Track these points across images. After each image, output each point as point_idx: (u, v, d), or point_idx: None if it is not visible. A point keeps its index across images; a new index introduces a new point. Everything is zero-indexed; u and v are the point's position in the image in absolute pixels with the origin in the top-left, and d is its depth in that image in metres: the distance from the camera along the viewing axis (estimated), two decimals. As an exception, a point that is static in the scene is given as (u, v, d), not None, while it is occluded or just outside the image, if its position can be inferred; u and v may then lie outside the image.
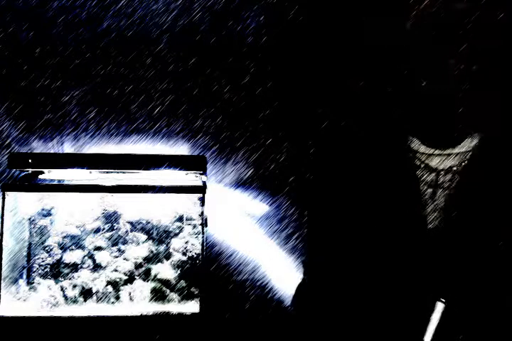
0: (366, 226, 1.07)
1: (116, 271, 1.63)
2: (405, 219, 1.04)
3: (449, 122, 1.03)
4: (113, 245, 1.68)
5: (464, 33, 0.98)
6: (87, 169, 1.56)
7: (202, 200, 1.56)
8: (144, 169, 1.56)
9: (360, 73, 1.11)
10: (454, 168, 1.04)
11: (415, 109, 1.03)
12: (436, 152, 1.06)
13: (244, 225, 1.81)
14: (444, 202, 1.02)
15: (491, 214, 0.97)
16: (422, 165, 1.06)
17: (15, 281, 1.59)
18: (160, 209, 1.71)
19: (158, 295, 1.59)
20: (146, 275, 1.64)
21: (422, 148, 1.07)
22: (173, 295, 1.60)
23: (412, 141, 1.09)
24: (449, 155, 1.05)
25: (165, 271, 1.64)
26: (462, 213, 1.00)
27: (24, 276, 1.62)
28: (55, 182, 1.63)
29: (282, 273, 1.79)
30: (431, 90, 1.00)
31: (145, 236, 1.70)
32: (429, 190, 1.05)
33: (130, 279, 1.62)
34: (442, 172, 1.05)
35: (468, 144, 1.05)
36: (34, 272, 1.61)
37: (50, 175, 1.62)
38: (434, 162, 1.06)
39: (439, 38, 0.98)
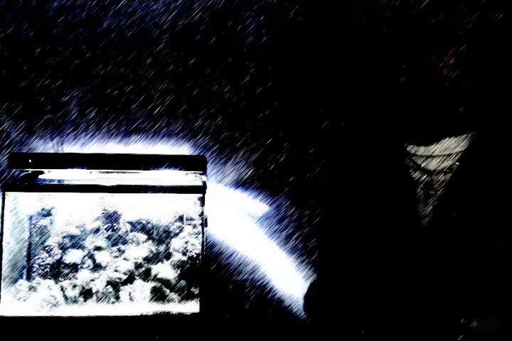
0: (365, 227, 1.08)
1: (116, 271, 1.63)
2: (400, 220, 1.05)
3: (440, 121, 1.03)
4: (113, 245, 1.68)
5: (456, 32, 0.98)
6: (87, 169, 1.56)
7: (202, 200, 1.56)
8: (144, 169, 1.56)
9: (359, 73, 1.11)
10: (447, 170, 1.05)
11: (409, 109, 1.04)
12: (430, 153, 1.06)
13: (244, 225, 1.81)
14: (438, 203, 1.03)
15: (485, 214, 0.98)
16: (416, 167, 1.07)
17: (15, 281, 1.59)
18: (160, 209, 1.71)
19: (158, 295, 1.59)
20: (146, 275, 1.64)
21: (417, 151, 1.08)
22: (173, 295, 1.60)
23: (407, 144, 1.10)
24: (441, 156, 1.06)
25: (165, 271, 1.64)
26: (456, 213, 1.01)
27: (24, 276, 1.62)
28: (55, 182, 1.63)
29: (282, 273, 1.79)
30: (423, 90, 1.01)
31: (145, 236, 1.70)
32: (423, 191, 1.06)
33: (130, 279, 1.62)
34: (436, 174, 1.06)
35: (459, 144, 1.05)
36: (34, 272, 1.61)
37: (50, 175, 1.62)
38: (427, 164, 1.07)
39: (433, 37, 0.99)
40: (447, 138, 1.05)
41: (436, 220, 1.02)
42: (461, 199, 1.01)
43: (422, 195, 1.06)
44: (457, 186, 1.02)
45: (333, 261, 1.17)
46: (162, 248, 1.70)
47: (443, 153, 1.06)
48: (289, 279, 1.77)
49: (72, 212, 1.68)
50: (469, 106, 1.04)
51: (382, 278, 1.04)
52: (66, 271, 1.62)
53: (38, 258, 1.62)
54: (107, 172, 1.61)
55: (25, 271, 1.62)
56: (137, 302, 1.58)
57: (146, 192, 1.53)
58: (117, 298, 1.59)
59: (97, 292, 1.58)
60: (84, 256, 1.64)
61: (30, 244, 1.64)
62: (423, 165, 1.07)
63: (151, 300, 1.59)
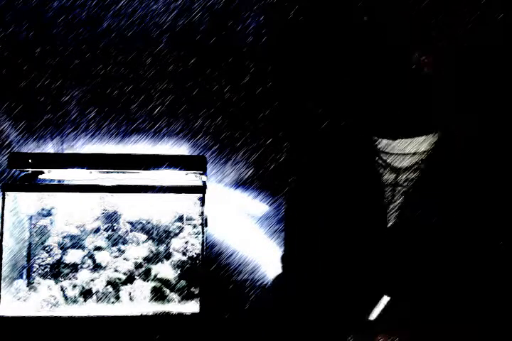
0: (334, 223, 1.09)
1: (116, 271, 1.63)
2: (367, 217, 1.06)
3: (411, 119, 1.05)
4: (113, 245, 1.68)
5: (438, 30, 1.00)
6: (87, 169, 1.56)
7: (202, 200, 1.56)
8: (144, 169, 1.56)
9: (359, 72, 1.11)
10: (414, 167, 1.07)
11: (381, 105, 1.05)
12: (398, 151, 1.08)
13: (244, 225, 1.81)
14: (403, 201, 1.05)
15: (451, 212, 0.99)
16: (385, 165, 1.09)
17: (16, 281, 1.59)
18: (160, 209, 1.71)
19: (158, 295, 1.59)
20: (146, 275, 1.64)
21: (386, 148, 1.09)
22: (173, 295, 1.60)
23: (377, 141, 1.11)
24: (408, 154, 1.07)
25: (165, 271, 1.64)
26: (420, 211, 1.02)
27: (24, 276, 1.62)
28: (55, 182, 1.63)
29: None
30: (398, 87, 1.02)
31: (145, 236, 1.70)
32: (390, 189, 1.07)
33: (130, 279, 1.62)
34: (402, 172, 1.07)
35: (427, 141, 1.07)
36: (34, 272, 1.61)
37: (50, 175, 1.62)
38: (395, 162, 1.08)
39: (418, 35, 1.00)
40: (416, 137, 1.07)
41: (402, 218, 1.03)
42: (428, 197, 1.03)
43: (389, 193, 1.07)
44: (424, 185, 1.04)
45: (300, 256, 1.18)
46: (162, 248, 1.70)
47: (411, 151, 1.07)
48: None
49: (72, 212, 1.68)
50: (439, 105, 1.05)
51: (347, 277, 1.05)
52: (66, 271, 1.62)
53: (38, 258, 1.62)
54: (107, 172, 1.61)
55: (25, 271, 1.62)
56: (137, 302, 1.58)
57: (146, 192, 1.53)
58: (117, 298, 1.59)
59: (97, 292, 1.58)
60: (84, 256, 1.64)
61: (30, 244, 1.64)
62: (391, 162, 1.09)
63: (151, 300, 1.59)
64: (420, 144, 1.07)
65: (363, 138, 1.13)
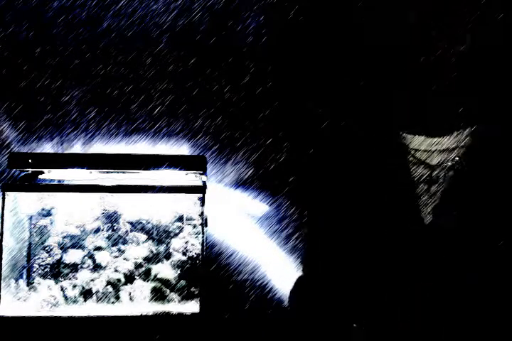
0: (363, 223, 1.08)
1: (116, 271, 1.63)
2: (401, 215, 1.05)
3: (443, 117, 1.04)
4: (113, 245, 1.68)
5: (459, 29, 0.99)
6: (87, 169, 1.56)
7: (202, 200, 1.56)
8: (144, 169, 1.56)
9: (359, 72, 1.11)
10: (448, 164, 1.06)
11: (413, 104, 1.05)
12: (430, 148, 1.07)
13: (244, 225, 1.81)
14: (440, 197, 1.04)
15: (486, 211, 0.99)
16: (416, 161, 1.08)
17: (15, 281, 1.59)
18: (160, 209, 1.71)
19: (158, 295, 1.59)
20: (146, 275, 1.64)
21: (420, 146, 1.08)
22: (173, 295, 1.60)
23: (406, 138, 1.10)
24: (442, 151, 1.07)
25: (165, 271, 1.64)
26: (458, 208, 1.01)
27: (24, 276, 1.62)
28: (55, 182, 1.63)
29: (282, 273, 1.79)
30: (428, 87, 1.01)
31: (145, 236, 1.70)
32: (424, 186, 1.06)
33: (130, 279, 1.62)
34: (436, 168, 1.06)
35: (459, 138, 1.06)
36: (34, 272, 1.61)
37: (50, 175, 1.62)
38: (429, 158, 1.07)
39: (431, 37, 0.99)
40: (450, 134, 1.06)
41: (438, 216, 1.03)
42: (464, 195, 1.02)
43: (425, 191, 1.07)
44: (459, 182, 1.03)
45: (328, 257, 1.18)
46: (162, 248, 1.70)
47: (444, 147, 1.06)
48: (289, 279, 1.77)
49: (72, 212, 1.68)
50: (470, 104, 1.04)
51: (382, 275, 1.04)
52: (66, 271, 1.62)
53: (38, 258, 1.62)
54: (107, 172, 1.61)
55: (25, 271, 1.63)
56: (137, 302, 1.58)
57: (146, 192, 1.54)
58: (117, 298, 1.59)
59: (97, 292, 1.58)
60: (84, 256, 1.64)
61: (30, 244, 1.64)
62: (426, 160, 1.08)
63: (151, 300, 1.59)
64: (454, 140, 1.06)
65: (391, 137, 1.12)
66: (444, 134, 1.06)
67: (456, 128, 1.06)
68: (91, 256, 1.64)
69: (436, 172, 1.06)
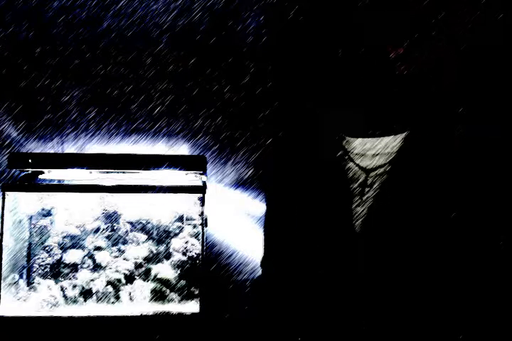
0: (307, 224, 1.10)
1: (116, 271, 1.63)
2: (337, 217, 1.06)
3: (381, 120, 1.05)
4: (113, 245, 1.68)
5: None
6: (87, 169, 1.56)
7: (202, 200, 1.56)
8: (144, 169, 1.56)
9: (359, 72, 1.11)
10: (382, 168, 1.07)
11: (352, 103, 1.05)
12: (366, 152, 1.08)
13: (244, 225, 1.81)
14: (372, 200, 1.05)
15: (417, 212, 1.00)
16: (355, 166, 1.09)
17: (15, 281, 1.59)
18: (160, 209, 1.71)
19: (158, 295, 1.59)
20: (146, 276, 1.64)
21: (355, 149, 1.09)
22: (173, 295, 1.60)
23: (347, 142, 1.11)
24: (377, 155, 1.07)
25: (165, 271, 1.64)
26: (389, 211, 1.02)
27: (24, 276, 1.62)
28: (55, 182, 1.63)
29: (282, 273, 1.79)
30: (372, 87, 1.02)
31: (145, 236, 1.70)
32: (359, 189, 1.07)
33: (130, 279, 1.62)
34: (372, 172, 1.07)
35: (393, 143, 1.07)
36: (34, 272, 1.61)
37: (50, 175, 1.62)
38: (364, 162, 1.08)
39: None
40: (385, 137, 1.07)
41: (371, 218, 1.04)
42: (396, 197, 1.03)
43: (358, 192, 1.08)
44: (392, 184, 1.04)
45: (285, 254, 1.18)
46: (162, 248, 1.70)
47: (379, 152, 1.07)
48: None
49: (72, 212, 1.68)
50: (406, 108, 1.05)
51: (315, 277, 1.05)
52: (66, 271, 1.62)
53: (38, 258, 1.62)
54: (107, 172, 1.61)
55: (25, 271, 1.62)
56: (137, 302, 1.58)
57: (146, 192, 1.54)
58: (117, 298, 1.59)
59: (97, 292, 1.58)
60: (84, 256, 1.64)
61: (30, 244, 1.64)
62: (360, 163, 1.09)
63: (151, 300, 1.59)
64: (388, 144, 1.07)
65: (335, 139, 1.13)
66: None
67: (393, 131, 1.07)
68: (91, 256, 1.64)
69: (370, 176, 1.08)
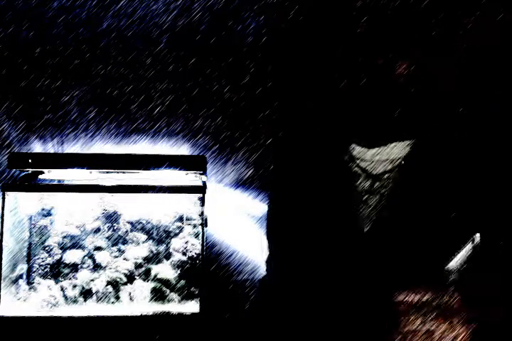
0: (312, 229, 1.09)
1: (116, 271, 1.63)
2: (342, 224, 1.06)
3: (388, 126, 1.04)
4: (113, 245, 1.68)
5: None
6: (87, 169, 1.56)
7: (202, 200, 1.56)
8: (144, 169, 1.56)
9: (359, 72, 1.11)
10: (387, 175, 1.06)
11: (358, 112, 1.05)
12: (372, 158, 1.07)
13: (244, 225, 1.81)
14: (379, 206, 1.05)
15: (422, 219, 1.00)
16: (361, 172, 1.09)
17: (15, 281, 1.59)
18: (160, 209, 1.71)
19: (158, 295, 1.59)
20: (146, 276, 1.64)
21: (363, 155, 1.09)
22: (173, 295, 1.60)
23: (353, 148, 1.10)
24: (383, 161, 1.07)
25: (165, 271, 1.64)
26: (394, 218, 1.02)
27: (24, 276, 1.62)
28: (55, 182, 1.63)
29: (282, 273, 1.79)
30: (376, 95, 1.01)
31: (145, 236, 1.70)
32: (366, 196, 1.07)
33: (130, 279, 1.62)
34: (377, 179, 1.07)
35: (399, 150, 1.06)
36: (34, 272, 1.61)
37: (50, 175, 1.62)
38: (371, 167, 1.08)
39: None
40: (393, 143, 1.07)
41: (378, 223, 1.03)
42: (404, 202, 1.03)
43: (365, 200, 1.07)
44: (400, 191, 1.04)
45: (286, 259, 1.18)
46: (162, 248, 1.70)
47: (387, 157, 1.07)
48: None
49: (72, 212, 1.68)
50: (414, 113, 1.05)
51: (320, 283, 1.05)
52: (66, 271, 1.62)
53: (38, 258, 1.62)
54: (107, 172, 1.61)
55: (25, 271, 1.62)
56: (137, 302, 1.58)
57: (146, 192, 1.54)
58: (117, 298, 1.59)
59: (97, 292, 1.58)
60: (84, 256, 1.64)
61: (30, 244, 1.64)
62: (368, 169, 1.09)
63: (151, 300, 1.59)
64: (394, 151, 1.06)
65: (340, 144, 1.13)
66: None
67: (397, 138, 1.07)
68: (91, 256, 1.64)
69: (377, 181, 1.07)
